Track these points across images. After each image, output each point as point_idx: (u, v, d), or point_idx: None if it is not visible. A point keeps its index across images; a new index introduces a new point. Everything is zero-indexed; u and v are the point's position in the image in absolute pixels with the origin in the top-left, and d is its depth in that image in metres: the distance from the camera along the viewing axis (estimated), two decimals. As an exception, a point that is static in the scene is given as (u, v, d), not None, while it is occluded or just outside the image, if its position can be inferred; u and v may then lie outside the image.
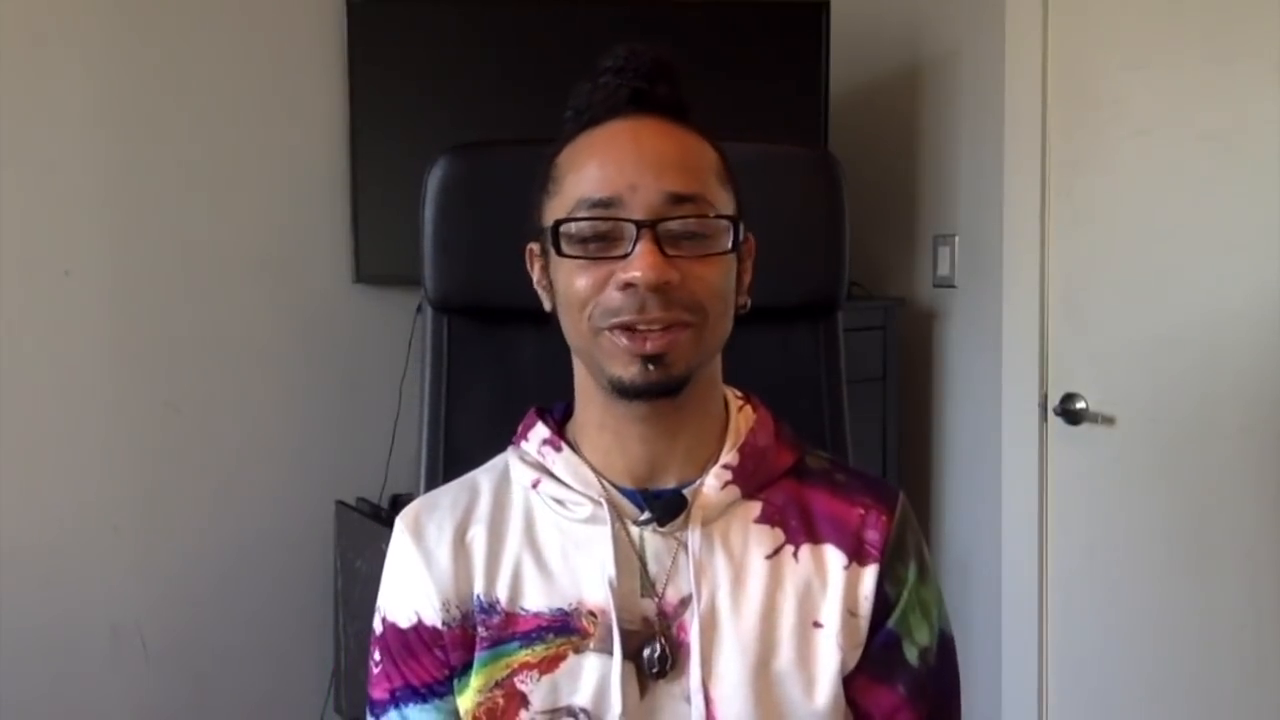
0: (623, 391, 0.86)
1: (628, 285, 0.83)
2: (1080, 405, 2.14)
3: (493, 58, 2.35)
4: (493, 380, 1.21)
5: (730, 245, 0.87)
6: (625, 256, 0.84)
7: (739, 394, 0.98)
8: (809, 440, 1.00)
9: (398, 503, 2.31)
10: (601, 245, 0.85)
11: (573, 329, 0.89)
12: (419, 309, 2.29)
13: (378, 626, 0.94)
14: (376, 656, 0.94)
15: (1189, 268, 1.98)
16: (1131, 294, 2.07)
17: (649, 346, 0.84)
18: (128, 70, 2.26)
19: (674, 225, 0.85)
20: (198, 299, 2.34)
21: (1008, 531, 2.28)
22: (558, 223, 0.86)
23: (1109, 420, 2.11)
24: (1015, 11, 2.21)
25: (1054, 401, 2.19)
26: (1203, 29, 1.94)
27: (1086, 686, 2.19)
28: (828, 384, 1.26)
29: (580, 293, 0.86)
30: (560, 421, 0.97)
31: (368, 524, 2.24)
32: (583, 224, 0.85)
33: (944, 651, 0.95)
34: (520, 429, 0.97)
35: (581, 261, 0.86)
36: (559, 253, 0.86)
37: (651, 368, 0.85)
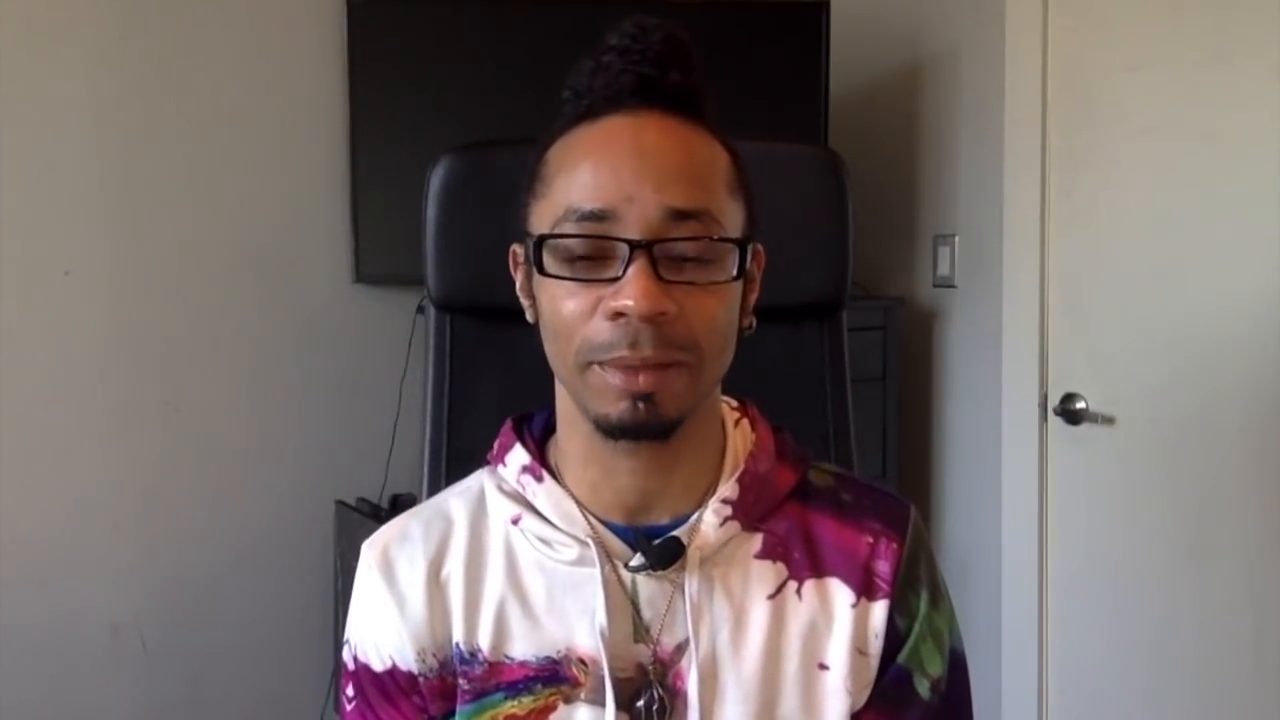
0: (609, 431, 0.79)
1: (618, 315, 0.75)
2: (1080, 405, 2.14)
3: (493, 58, 2.35)
4: (496, 380, 1.21)
5: (736, 272, 0.78)
6: (616, 280, 0.75)
7: (734, 404, 0.91)
8: (813, 443, 0.97)
9: (398, 503, 2.31)
10: (590, 265, 0.76)
11: (557, 357, 0.81)
12: (419, 309, 2.32)
13: (348, 661, 0.88)
14: (350, 692, 0.88)
15: (1189, 268, 1.98)
16: (1131, 294, 2.07)
17: (642, 384, 0.76)
18: (127, 70, 2.26)
19: (673, 247, 0.76)
20: (197, 299, 2.34)
21: (1008, 531, 2.28)
22: (541, 238, 0.77)
23: (1109, 420, 2.11)
24: (1015, 11, 2.21)
25: (1054, 401, 2.19)
26: (1203, 29, 1.94)
27: (1086, 686, 2.19)
28: (832, 383, 1.25)
29: (565, 320, 0.77)
30: (540, 439, 0.90)
31: (368, 524, 2.24)
32: (569, 241, 0.76)
33: (955, 675, 0.89)
34: (496, 448, 0.90)
35: (568, 284, 0.77)
36: (541, 271, 0.78)
37: (641, 406, 0.77)
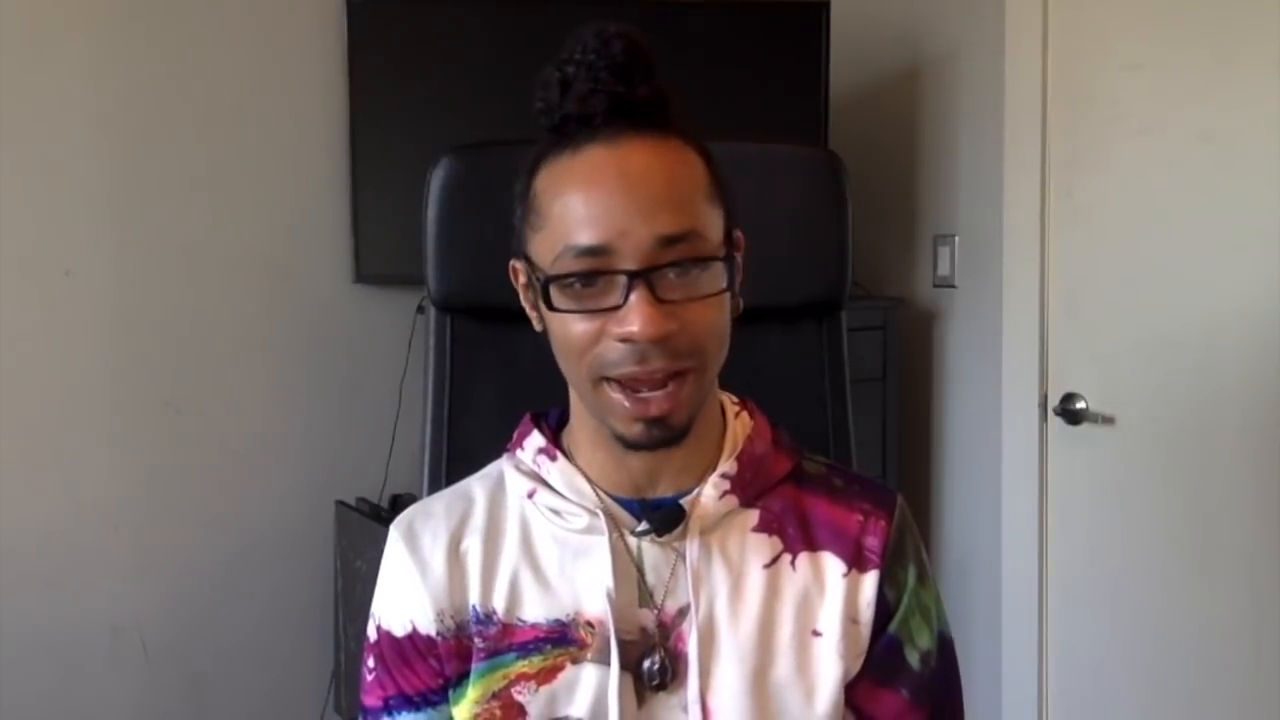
0: (625, 445, 0.85)
1: (625, 339, 0.80)
2: (1080, 405, 2.14)
3: (493, 57, 2.35)
4: (496, 380, 1.21)
5: (724, 284, 0.83)
6: (618, 308, 0.80)
7: (735, 399, 0.96)
8: (812, 442, 0.99)
9: (398, 503, 2.31)
10: (592, 294, 0.82)
11: (571, 372, 0.86)
12: (419, 309, 2.32)
13: (372, 633, 0.94)
14: (370, 663, 0.94)
15: (1189, 268, 1.98)
16: (1131, 294, 2.07)
17: (653, 410, 0.82)
18: (128, 70, 2.26)
19: (667, 271, 0.81)
20: (198, 299, 2.34)
21: (1008, 531, 2.28)
22: (548, 279, 0.82)
23: (1109, 420, 2.11)
24: (1015, 11, 2.21)
25: (1054, 401, 2.19)
26: (1203, 29, 1.94)
27: (1086, 686, 2.19)
28: (831, 383, 1.26)
29: (576, 343, 0.83)
30: (556, 428, 0.96)
31: (368, 524, 2.24)
32: (574, 277, 0.81)
33: (944, 653, 0.94)
34: (515, 436, 0.96)
35: (575, 313, 0.82)
36: (550, 307, 0.83)
37: (655, 430, 0.83)
